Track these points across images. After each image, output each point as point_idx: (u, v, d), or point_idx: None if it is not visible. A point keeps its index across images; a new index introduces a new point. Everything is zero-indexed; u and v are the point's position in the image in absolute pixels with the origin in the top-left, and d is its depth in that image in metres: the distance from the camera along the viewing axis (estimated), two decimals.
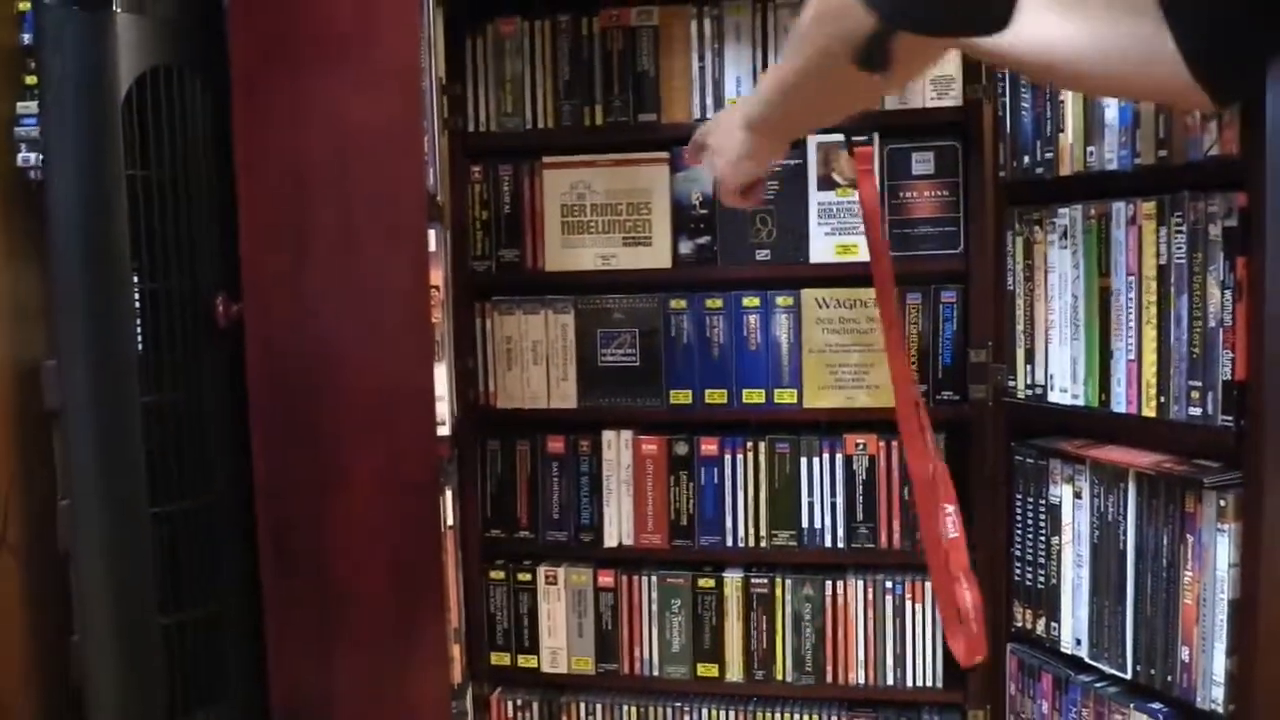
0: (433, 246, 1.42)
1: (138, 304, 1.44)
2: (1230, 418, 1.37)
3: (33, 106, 1.72)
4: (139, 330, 1.44)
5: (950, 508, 1.34)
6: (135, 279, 1.44)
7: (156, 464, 1.43)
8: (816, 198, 1.82)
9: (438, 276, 1.44)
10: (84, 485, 1.48)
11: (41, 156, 1.55)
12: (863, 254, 1.80)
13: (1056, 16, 1.04)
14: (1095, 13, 1.03)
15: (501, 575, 1.99)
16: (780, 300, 1.85)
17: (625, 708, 1.96)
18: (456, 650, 1.53)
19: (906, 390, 1.37)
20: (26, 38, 1.76)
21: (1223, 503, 1.38)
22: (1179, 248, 1.42)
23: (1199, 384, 1.40)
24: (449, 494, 1.51)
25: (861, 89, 0.91)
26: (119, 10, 1.42)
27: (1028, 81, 1.64)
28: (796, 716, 1.89)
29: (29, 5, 1.74)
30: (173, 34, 1.48)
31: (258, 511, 1.45)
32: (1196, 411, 1.41)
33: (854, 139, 1.37)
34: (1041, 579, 1.67)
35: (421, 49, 1.46)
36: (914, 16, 0.80)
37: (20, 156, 1.73)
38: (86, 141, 1.42)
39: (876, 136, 1.79)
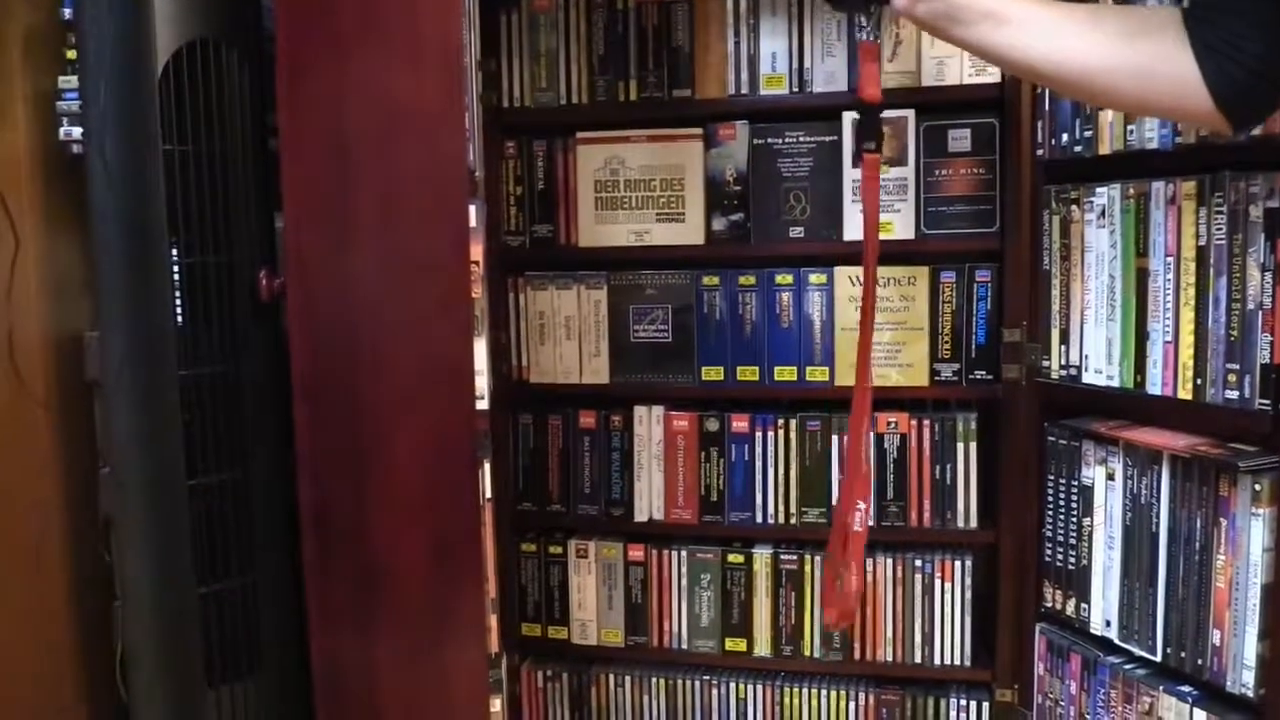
0: (473, 223, 1.43)
1: (177, 278, 1.46)
2: (1267, 401, 1.36)
3: (74, 81, 1.74)
4: (179, 304, 1.46)
5: (863, 504, 1.36)
6: (174, 253, 1.46)
7: (195, 437, 1.45)
8: (851, 175, 1.81)
9: (477, 252, 1.45)
10: (122, 456, 1.50)
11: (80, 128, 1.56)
12: (897, 232, 1.81)
13: (1073, 31, 1.04)
14: (1111, 31, 1.03)
15: (533, 548, 2.01)
16: (813, 278, 1.85)
17: (653, 680, 1.98)
18: (493, 621, 1.55)
19: (868, 371, 1.37)
20: (67, 12, 1.77)
21: (1258, 487, 1.37)
22: (1219, 228, 1.41)
23: (1236, 367, 1.40)
24: (486, 467, 1.52)
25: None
26: None
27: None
28: (824, 692, 1.91)
29: None
30: (210, 7, 1.49)
31: (299, 485, 1.46)
32: (1233, 394, 1.40)
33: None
34: (1072, 560, 1.67)
35: (464, 25, 1.46)
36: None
37: (63, 131, 1.75)
38: (124, 116, 1.43)
39: (913, 113, 1.78)
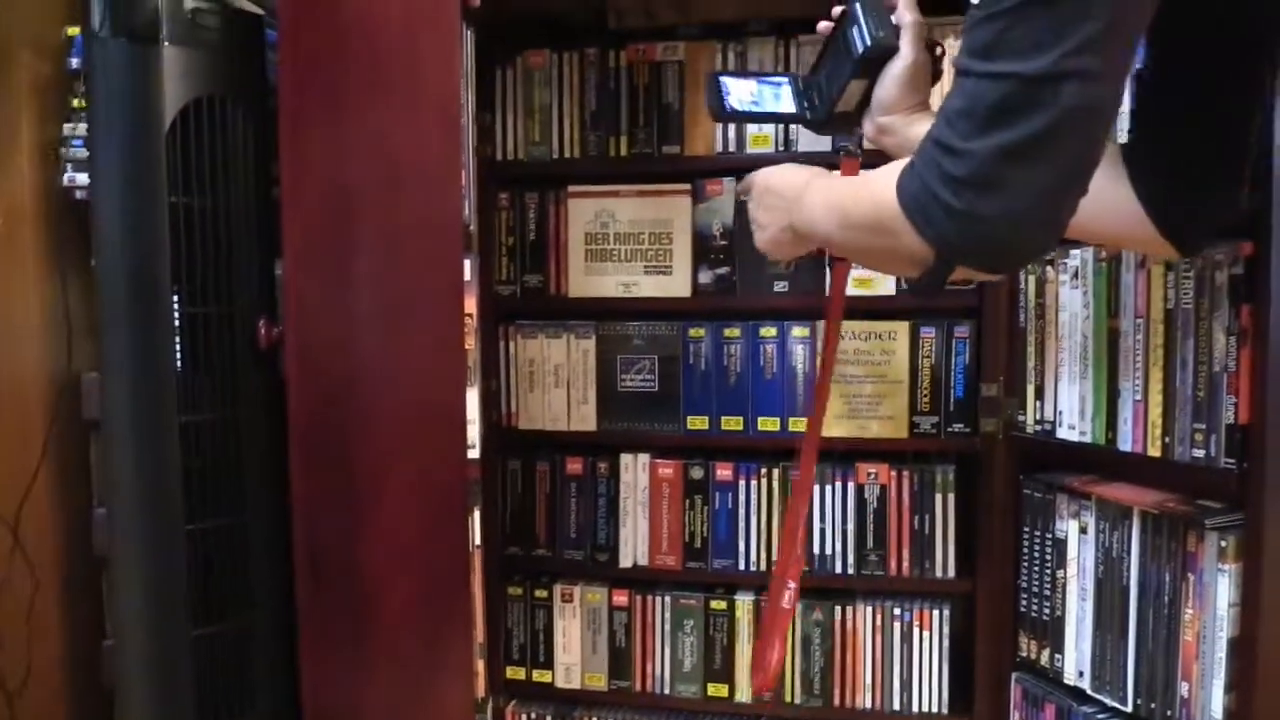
0: (467, 276, 1.47)
1: (178, 326, 1.50)
2: (1233, 460, 1.41)
3: (80, 129, 1.79)
4: (179, 351, 1.50)
5: (793, 585, 1.39)
6: (176, 302, 1.50)
7: (194, 481, 1.49)
8: None
9: (470, 304, 1.50)
10: (121, 498, 1.54)
11: (88, 177, 1.61)
12: (878, 288, 1.86)
13: None
14: None
15: (519, 592, 2.04)
16: (797, 331, 1.90)
17: None
18: (480, 664, 1.58)
19: (811, 470, 1.41)
20: (75, 62, 1.82)
21: (1224, 543, 1.42)
22: (1186, 293, 1.46)
23: (1203, 426, 1.44)
24: (476, 514, 1.56)
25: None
26: (165, 43, 1.48)
27: None
28: None
29: (77, 31, 1.80)
30: (216, 65, 1.54)
31: (294, 529, 1.50)
32: (1200, 453, 1.45)
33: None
34: (1047, 611, 1.71)
35: (461, 84, 1.51)
36: (974, 258, 0.86)
37: (67, 176, 1.80)
38: (132, 170, 1.48)
39: None
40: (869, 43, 1.16)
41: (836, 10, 1.22)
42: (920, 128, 1.19)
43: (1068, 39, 0.78)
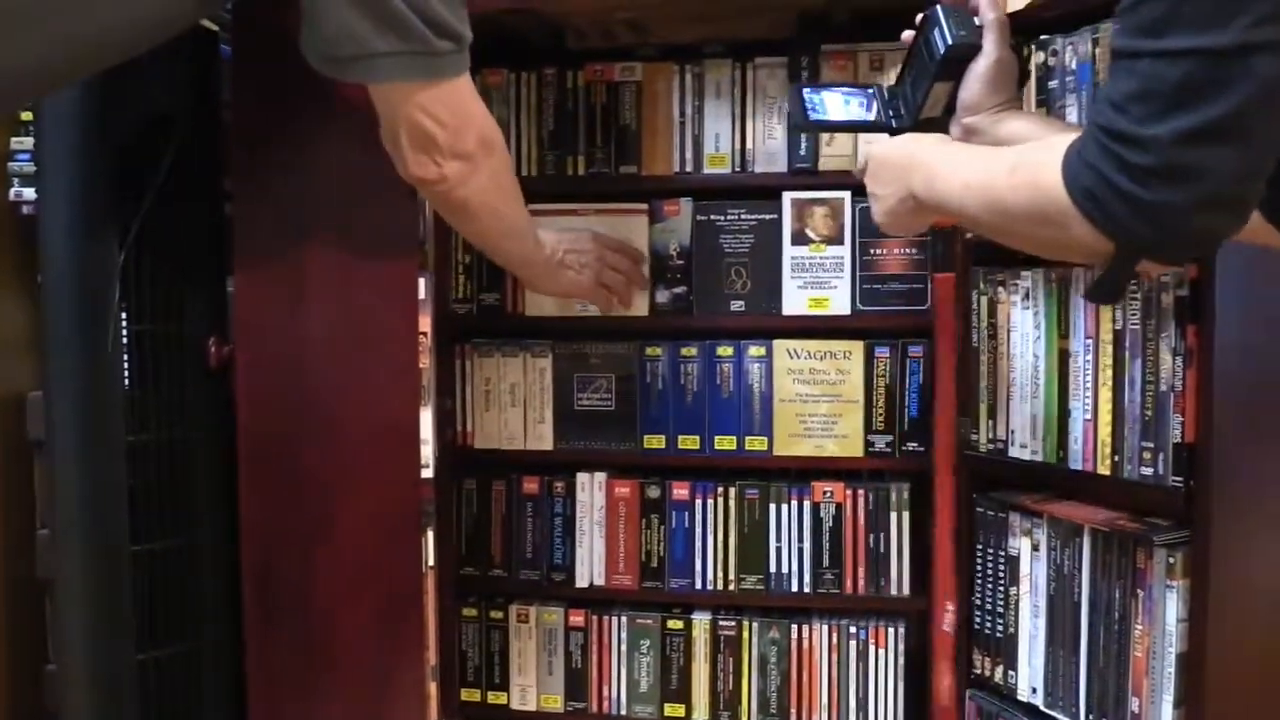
0: (421, 294, 1.46)
1: (126, 343, 1.48)
2: (1180, 478, 1.43)
3: (27, 142, 1.76)
4: (126, 369, 1.48)
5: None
6: (124, 319, 1.48)
7: (140, 502, 1.46)
8: (790, 252, 1.88)
9: (425, 323, 1.49)
10: (65, 519, 1.50)
11: (35, 192, 1.58)
12: (833, 308, 1.88)
13: None
14: None
15: (474, 613, 2.01)
16: (753, 350, 1.90)
17: None
18: (432, 687, 1.56)
19: None
20: None
21: (1172, 560, 1.44)
22: (1133, 314, 1.49)
23: (1151, 445, 1.46)
24: (430, 535, 1.54)
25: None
26: None
27: None
28: None
29: None
30: (169, 82, 1.52)
31: (242, 551, 1.48)
32: (1148, 471, 1.47)
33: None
34: (1000, 628, 1.72)
35: None
36: (1165, 249, 0.82)
37: (13, 191, 1.77)
38: (80, 185, 1.46)
39: (849, 195, 1.86)
40: (951, 41, 1.16)
41: (919, 17, 1.23)
42: (1008, 126, 1.18)
43: (1255, 7, 0.73)
